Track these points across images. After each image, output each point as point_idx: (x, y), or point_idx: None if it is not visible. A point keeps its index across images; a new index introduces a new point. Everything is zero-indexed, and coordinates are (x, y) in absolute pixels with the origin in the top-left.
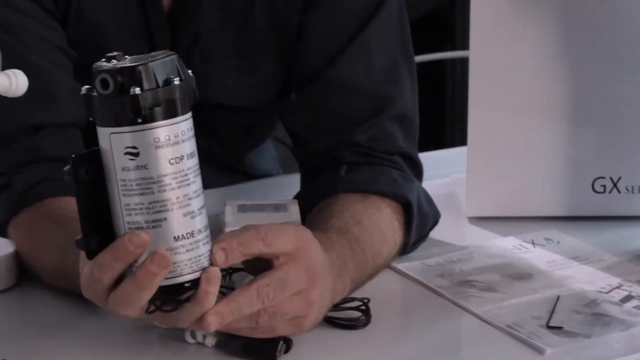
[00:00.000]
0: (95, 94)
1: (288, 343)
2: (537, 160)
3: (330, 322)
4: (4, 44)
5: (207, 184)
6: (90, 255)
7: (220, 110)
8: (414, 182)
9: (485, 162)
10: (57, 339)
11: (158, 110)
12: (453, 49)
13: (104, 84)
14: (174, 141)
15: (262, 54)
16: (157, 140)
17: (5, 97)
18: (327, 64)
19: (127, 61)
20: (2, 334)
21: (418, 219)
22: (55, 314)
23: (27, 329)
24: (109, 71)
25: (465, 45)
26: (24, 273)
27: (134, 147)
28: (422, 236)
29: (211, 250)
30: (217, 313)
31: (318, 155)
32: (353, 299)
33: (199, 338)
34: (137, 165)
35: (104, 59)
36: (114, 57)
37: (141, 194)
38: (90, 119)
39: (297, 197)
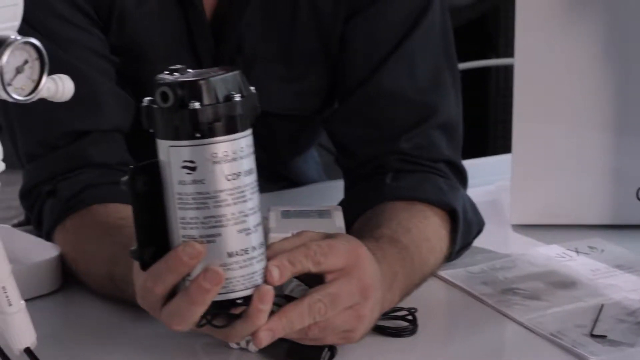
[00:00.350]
0: (155, 106)
1: (332, 350)
2: (582, 169)
3: (377, 329)
4: (48, 51)
5: None
6: (144, 266)
7: (264, 118)
8: (459, 190)
9: (529, 170)
10: (99, 343)
11: (217, 125)
12: (497, 56)
13: (164, 97)
14: (231, 157)
15: (307, 61)
16: (214, 155)
17: (49, 103)
18: (370, 73)
19: (189, 75)
20: (46, 337)
21: (463, 227)
22: (98, 319)
23: (70, 333)
24: (169, 84)
25: (508, 53)
26: (68, 277)
27: (191, 162)
28: (467, 244)
29: (265, 268)
30: (269, 329)
31: (363, 163)
32: (400, 309)
33: (242, 343)
34: (194, 180)
35: (166, 72)
36: (176, 70)
37: (197, 209)
38: (151, 130)
39: (342, 204)
